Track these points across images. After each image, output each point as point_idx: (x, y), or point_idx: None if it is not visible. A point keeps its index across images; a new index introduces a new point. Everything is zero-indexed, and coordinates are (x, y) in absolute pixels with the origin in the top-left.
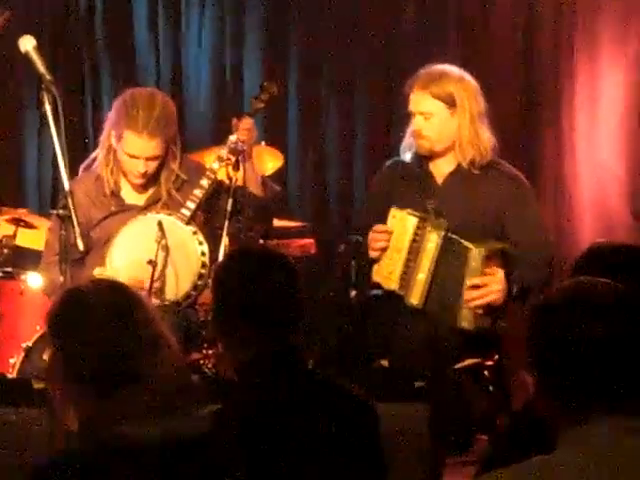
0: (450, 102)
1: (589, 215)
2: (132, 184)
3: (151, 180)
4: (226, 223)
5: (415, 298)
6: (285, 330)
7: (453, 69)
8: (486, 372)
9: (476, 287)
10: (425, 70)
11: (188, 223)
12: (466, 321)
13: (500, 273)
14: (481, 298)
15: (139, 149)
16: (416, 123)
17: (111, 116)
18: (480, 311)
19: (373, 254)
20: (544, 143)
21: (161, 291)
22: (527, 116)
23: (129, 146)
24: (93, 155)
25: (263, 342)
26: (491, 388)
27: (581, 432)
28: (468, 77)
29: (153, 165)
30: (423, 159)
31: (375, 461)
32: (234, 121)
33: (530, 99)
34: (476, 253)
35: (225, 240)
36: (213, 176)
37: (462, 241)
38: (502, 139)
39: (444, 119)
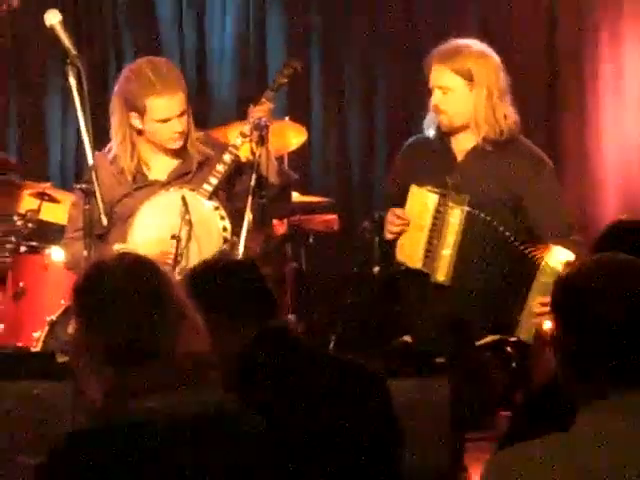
0: (468, 77)
1: (612, 191)
2: (167, 153)
3: (181, 147)
4: (249, 199)
5: (442, 274)
6: (263, 317)
7: (475, 43)
8: (508, 348)
9: (546, 304)
10: (445, 45)
11: (210, 198)
12: (526, 333)
13: None
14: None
15: (168, 109)
16: (434, 97)
17: (122, 100)
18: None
19: (389, 236)
20: (567, 120)
21: (184, 266)
22: (550, 93)
23: (157, 112)
24: (108, 147)
25: (243, 330)
26: (513, 364)
27: (599, 408)
28: (490, 52)
29: (185, 121)
30: (444, 135)
31: (389, 430)
32: (250, 108)
33: (553, 76)
34: (548, 271)
35: (248, 216)
36: (235, 151)
37: (531, 254)
38: (525, 117)
39: (462, 94)
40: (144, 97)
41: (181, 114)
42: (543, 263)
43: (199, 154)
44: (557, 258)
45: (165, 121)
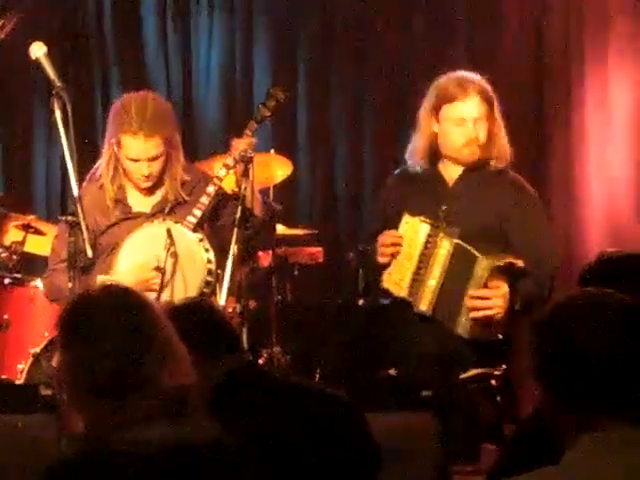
0: (491, 104)
1: (598, 222)
2: (139, 189)
3: (157, 185)
4: (235, 231)
5: (424, 304)
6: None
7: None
8: (493, 381)
9: (478, 298)
10: (461, 76)
11: (194, 230)
12: (463, 329)
13: (504, 288)
14: (482, 310)
15: (138, 151)
16: (470, 131)
17: (108, 126)
18: (478, 322)
19: (382, 259)
20: (554, 149)
21: (169, 298)
22: (536, 122)
23: (129, 150)
24: (97, 165)
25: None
26: (498, 397)
27: (587, 443)
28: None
29: (156, 166)
30: (433, 163)
31: (365, 453)
32: (233, 141)
33: (539, 105)
34: (484, 264)
35: (234, 248)
36: (219, 183)
37: (471, 249)
38: (511, 146)
39: (487, 124)
40: (120, 132)
41: (152, 159)
42: (479, 258)
43: (174, 197)
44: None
45: (134, 160)
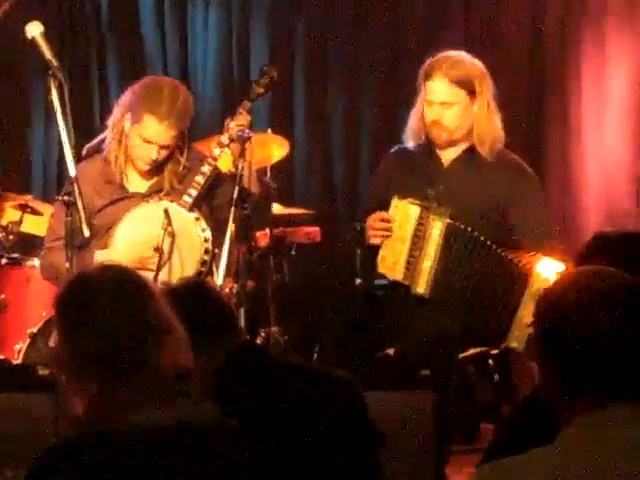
0: (470, 89)
1: (595, 204)
2: (138, 170)
3: (155, 169)
4: (232, 210)
5: (421, 287)
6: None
7: (465, 54)
8: (491, 361)
9: None
10: (440, 57)
11: (191, 210)
12: (517, 342)
13: None
14: None
15: (156, 135)
16: (434, 113)
17: (128, 99)
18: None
19: (373, 240)
20: (551, 132)
21: (167, 278)
22: (534, 105)
23: (146, 131)
24: (100, 137)
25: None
26: (496, 377)
27: (584, 421)
28: (478, 62)
29: (164, 153)
30: (431, 144)
31: (362, 432)
32: (227, 120)
33: (537, 88)
34: (541, 280)
35: (231, 227)
36: (214, 162)
37: (519, 263)
38: (509, 128)
39: (464, 107)
40: (146, 110)
41: (164, 147)
42: (535, 273)
43: (170, 184)
44: (548, 268)
45: (147, 142)
